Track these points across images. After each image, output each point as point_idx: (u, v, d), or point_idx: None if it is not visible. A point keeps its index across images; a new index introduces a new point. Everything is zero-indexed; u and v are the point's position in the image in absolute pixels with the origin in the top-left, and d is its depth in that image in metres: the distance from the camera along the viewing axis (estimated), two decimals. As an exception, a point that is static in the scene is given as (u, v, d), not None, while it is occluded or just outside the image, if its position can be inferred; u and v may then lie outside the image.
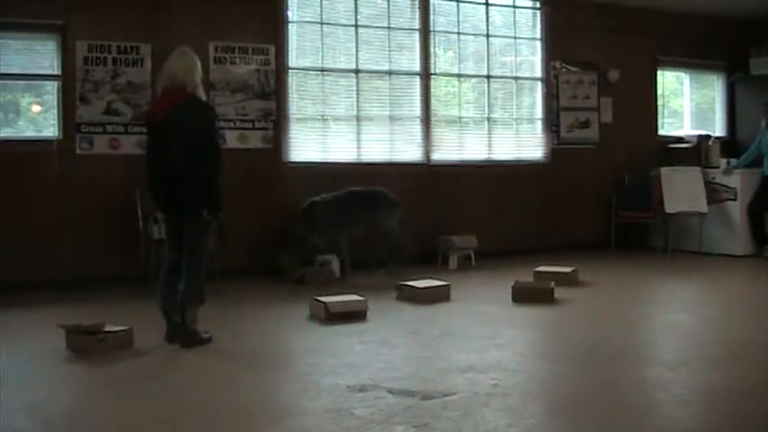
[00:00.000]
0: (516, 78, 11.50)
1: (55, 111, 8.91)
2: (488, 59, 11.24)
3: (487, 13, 11.20)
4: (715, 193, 11.36)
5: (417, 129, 10.71)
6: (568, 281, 8.70)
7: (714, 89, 13.46)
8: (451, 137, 10.98)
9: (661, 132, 12.64)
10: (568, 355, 5.95)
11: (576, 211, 11.70)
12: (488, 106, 11.26)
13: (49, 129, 8.96)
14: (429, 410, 4.47)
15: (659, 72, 12.62)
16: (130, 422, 4.46)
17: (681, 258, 10.98)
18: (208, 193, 6.08)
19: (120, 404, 4.80)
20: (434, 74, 10.83)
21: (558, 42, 11.52)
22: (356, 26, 10.28)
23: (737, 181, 11.20)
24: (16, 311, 7.62)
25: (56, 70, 8.84)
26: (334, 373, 5.31)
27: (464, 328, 6.69)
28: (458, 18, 10.97)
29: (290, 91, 9.92)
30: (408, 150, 10.66)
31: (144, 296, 7.44)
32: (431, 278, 8.45)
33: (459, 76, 11.11)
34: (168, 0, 9.19)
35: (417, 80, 10.71)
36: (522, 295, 7.88)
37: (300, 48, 10.06)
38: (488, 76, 11.24)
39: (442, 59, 11.05)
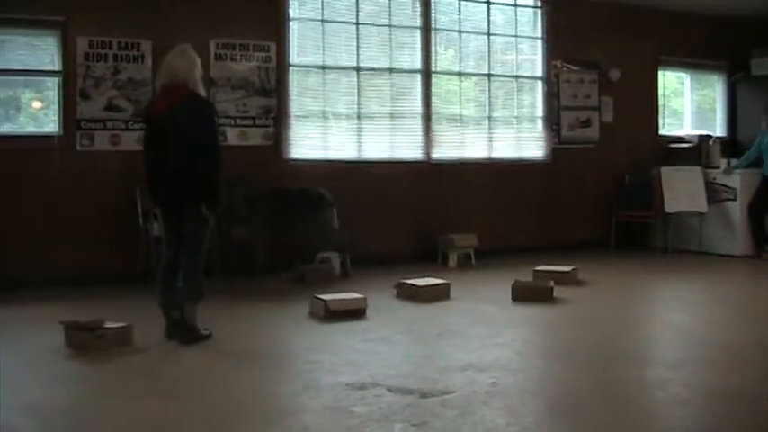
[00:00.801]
0: (517, 77, 11.49)
1: (56, 107, 8.91)
2: (489, 58, 11.25)
3: (489, 11, 11.20)
4: (715, 194, 11.36)
5: (418, 127, 10.71)
6: (568, 280, 8.69)
7: (715, 89, 13.47)
8: (452, 135, 10.98)
9: (662, 132, 12.64)
10: (567, 355, 5.95)
11: (577, 211, 11.70)
12: (489, 105, 11.27)
13: (50, 125, 8.96)
14: (428, 409, 4.47)
15: (660, 72, 12.62)
16: (129, 419, 4.45)
17: (681, 258, 10.98)
18: (207, 188, 6.09)
19: (119, 401, 4.79)
20: (435, 72, 10.83)
21: (559, 41, 11.52)
22: (357, 24, 10.28)
23: (738, 181, 11.20)
24: (15, 308, 7.62)
25: (56, 66, 8.84)
26: (333, 371, 5.31)
27: (463, 327, 6.69)
28: (459, 16, 10.98)
29: (290, 88, 9.92)
30: (409, 148, 10.67)
31: (143, 293, 7.45)
32: (431, 276, 8.45)
33: (460, 74, 11.11)
34: (169, -4, 9.21)
35: (418, 78, 10.71)
36: (522, 294, 7.88)
37: (301, 45, 10.06)
38: (489, 75, 11.24)
39: (443, 57, 11.05)
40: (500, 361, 5.56)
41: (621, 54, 11.94)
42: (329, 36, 10.16)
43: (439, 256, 10.27)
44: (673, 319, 7.23)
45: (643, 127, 12.26)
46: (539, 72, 11.63)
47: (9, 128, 8.84)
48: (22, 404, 4.64)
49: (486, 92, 11.27)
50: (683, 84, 13.31)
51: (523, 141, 11.53)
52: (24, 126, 9.01)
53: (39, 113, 9.13)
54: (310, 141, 10.04)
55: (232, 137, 9.44)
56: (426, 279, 8.25)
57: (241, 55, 9.54)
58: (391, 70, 10.54)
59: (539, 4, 11.55)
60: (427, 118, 10.71)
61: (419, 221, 10.49)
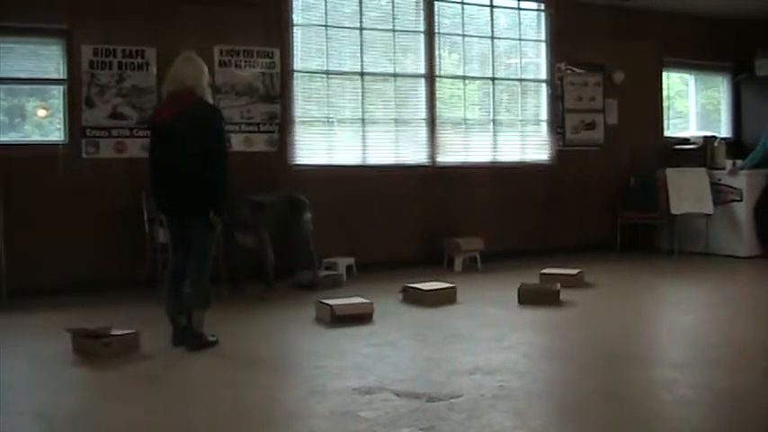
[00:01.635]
0: (521, 80, 11.49)
1: (61, 115, 8.93)
2: (493, 61, 11.25)
3: (492, 14, 11.20)
4: (721, 195, 11.34)
5: (422, 131, 10.71)
6: (574, 283, 8.69)
7: (719, 90, 13.45)
8: (457, 139, 10.97)
9: (666, 134, 12.62)
10: (574, 357, 5.95)
11: (582, 213, 11.69)
12: (493, 108, 11.26)
13: (55, 133, 8.98)
14: (435, 413, 4.47)
15: (664, 73, 12.61)
16: (136, 426, 4.47)
17: (687, 260, 10.97)
18: (215, 195, 6.14)
19: (126, 408, 4.80)
20: (439, 76, 10.83)
21: (562, 44, 11.51)
22: (361, 29, 10.29)
23: (743, 182, 11.18)
24: (22, 315, 7.64)
25: (61, 74, 8.85)
26: (340, 375, 5.32)
27: (470, 331, 6.69)
28: (462, 20, 10.97)
29: (295, 94, 9.93)
30: (413, 153, 10.66)
31: (150, 300, 7.47)
32: (437, 280, 8.45)
33: (464, 78, 11.11)
34: (173, 4, 9.20)
35: (422, 82, 10.71)
36: (528, 297, 7.88)
37: (305, 51, 10.07)
38: (493, 78, 11.24)
39: (447, 62, 11.06)
40: (507, 364, 5.56)
41: (625, 56, 11.94)
42: (333, 42, 10.17)
43: (444, 260, 10.27)
44: (679, 321, 7.23)
45: (648, 129, 12.24)
46: (543, 75, 11.63)
47: (14, 136, 8.87)
48: (30, 410, 4.66)
49: (491, 95, 11.26)
50: (687, 85, 13.31)
51: (528, 144, 11.52)
52: (30, 134, 9.02)
53: (44, 122, 9.15)
54: (315, 147, 10.04)
55: (237, 143, 9.44)
56: (432, 283, 8.25)
57: (245, 61, 9.55)
58: (395, 75, 10.55)
59: (542, 6, 11.54)
60: (431, 122, 10.71)
61: (424, 225, 10.50)
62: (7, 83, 8.76)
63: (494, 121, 11.24)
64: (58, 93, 8.93)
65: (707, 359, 5.75)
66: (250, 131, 9.56)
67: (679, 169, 11.50)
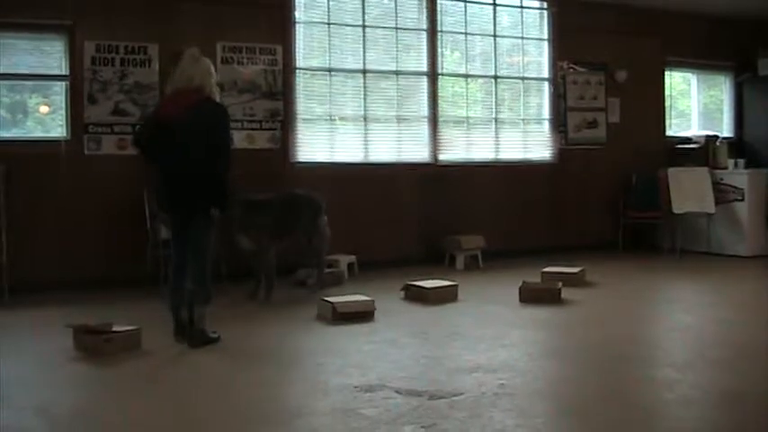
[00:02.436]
0: (523, 79, 11.49)
1: (63, 111, 8.93)
2: (495, 60, 11.24)
3: (495, 13, 11.20)
4: (723, 194, 11.34)
5: (424, 129, 10.71)
6: (576, 281, 8.69)
7: (722, 90, 13.44)
8: (459, 137, 10.97)
9: (669, 133, 12.61)
10: (576, 356, 5.96)
11: (584, 212, 11.69)
12: (496, 106, 11.26)
13: (57, 129, 8.98)
14: (437, 410, 4.47)
15: (667, 73, 12.60)
16: (137, 422, 4.47)
17: (688, 259, 10.96)
18: (220, 190, 6.21)
19: (127, 404, 4.81)
20: (442, 74, 10.82)
21: (565, 43, 11.51)
22: (363, 26, 10.28)
23: (745, 181, 11.18)
24: (24, 311, 7.66)
25: (64, 71, 8.86)
26: (341, 373, 5.32)
27: (471, 329, 6.69)
28: (465, 18, 10.97)
29: (297, 91, 9.93)
30: (415, 151, 10.66)
31: (151, 296, 7.48)
32: (438, 278, 8.45)
33: (466, 76, 11.11)
34: (176, 1, 9.21)
35: (424, 80, 10.71)
36: (530, 296, 7.88)
37: (308, 48, 10.07)
38: (495, 77, 11.24)
39: (450, 60, 11.05)
40: (508, 362, 5.57)
41: (628, 55, 11.94)
42: (335, 39, 10.17)
43: (446, 258, 10.27)
44: (681, 320, 7.23)
45: (650, 128, 12.24)
46: (545, 73, 11.62)
47: (16, 132, 8.87)
48: (32, 406, 4.67)
49: (493, 93, 11.26)
50: (689, 84, 13.29)
51: (530, 143, 11.52)
52: (32, 131, 9.02)
53: (46, 118, 9.15)
54: (317, 144, 10.04)
55: (239, 140, 9.43)
56: (434, 281, 8.26)
57: (248, 58, 9.55)
58: (397, 73, 10.55)
59: (545, 5, 11.54)
60: (434, 120, 10.71)
61: (426, 223, 10.49)
62: (9, 79, 8.77)
63: (496, 119, 11.23)
64: (60, 89, 8.93)
65: (709, 359, 5.74)
66: (252, 128, 9.56)
67: (681, 168, 11.51)
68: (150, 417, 4.56)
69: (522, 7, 11.43)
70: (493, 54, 11.23)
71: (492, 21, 11.19)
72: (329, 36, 10.12)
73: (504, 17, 11.41)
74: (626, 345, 6.19)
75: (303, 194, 8.62)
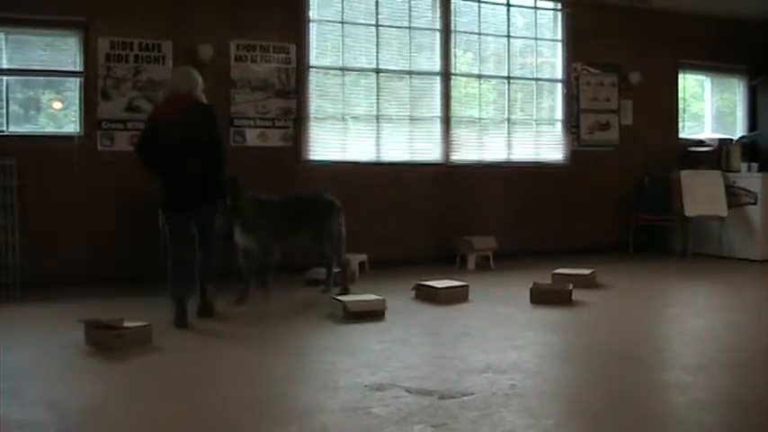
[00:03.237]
0: (537, 80, 11.47)
1: (76, 107, 8.95)
2: (509, 60, 11.23)
3: (508, 14, 11.19)
4: (735, 197, 11.31)
5: (437, 129, 10.71)
6: (587, 283, 8.68)
7: (735, 93, 13.40)
8: (471, 138, 10.96)
9: (681, 135, 12.58)
10: (586, 358, 5.95)
11: (596, 214, 11.67)
12: (508, 107, 11.25)
13: (71, 125, 9.01)
14: (447, 410, 4.47)
15: (680, 75, 12.56)
16: (147, 418, 4.48)
17: (700, 262, 10.93)
18: (219, 181, 7.07)
19: (138, 400, 4.83)
20: (455, 74, 10.83)
21: (578, 44, 11.49)
22: (377, 26, 10.29)
23: (758, 185, 11.14)
24: (36, 306, 7.69)
25: (78, 67, 8.89)
26: (352, 371, 5.32)
27: (482, 329, 6.69)
28: (478, 19, 10.96)
29: (310, 90, 9.94)
30: (428, 151, 10.67)
31: (163, 292, 7.46)
32: (449, 278, 8.44)
33: (479, 76, 11.10)
34: (190, -2, 9.26)
35: (437, 80, 10.71)
36: (541, 297, 7.87)
37: (321, 47, 10.09)
38: (509, 78, 11.23)
39: (463, 60, 11.04)
40: (519, 363, 5.56)
41: (641, 57, 11.91)
42: (349, 38, 10.18)
43: (457, 259, 10.26)
44: (691, 323, 7.21)
45: (663, 130, 12.22)
46: (558, 75, 11.61)
47: (30, 128, 8.90)
48: (44, 400, 4.68)
49: (506, 94, 11.25)
50: (702, 87, 13.25)
51: (542, 144, 11.50)
52: (45, 126, 9.05)
53: (59, 114, 9.18)
54: (329, 143, 10.05)
55: (251, 138, 9.47)
56: (445, 281, 8.25)
57: (261, 56, 9.56)
58: (410, 72, 10.54)
59: (559, 6, 11.52)
60: (446, 120, 10.71)
61: (438, 224, 10.49)
62: (23, 74, 8.81)
63: (508, 120, 11.22)
64: (73, 85, 8.96)
65: (720, 363, 5.72)
66: (265, 127, 9.58)
67: (694, 171, 11.48)
68: (160, 412, 4.57)
69: (535, 8, 11.42)
70: (506, 55, 11.22)
71: (506, 21, 11.18)
72: (342, 35, 10.13)
73: (518, 18, 11.41)
74: (637, 347, 6.18)
75: (314, 195, 8.46)
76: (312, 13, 9.94)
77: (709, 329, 6.97)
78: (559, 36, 11.55)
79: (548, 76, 11.59)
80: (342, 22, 10.10)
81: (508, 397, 4.73)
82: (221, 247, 7.47)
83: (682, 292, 9.15)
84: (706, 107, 13.27)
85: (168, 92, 7.34)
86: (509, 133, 11.22)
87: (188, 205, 6.90)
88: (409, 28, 10.53)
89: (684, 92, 12.75)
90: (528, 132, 11.42)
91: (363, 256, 9.57)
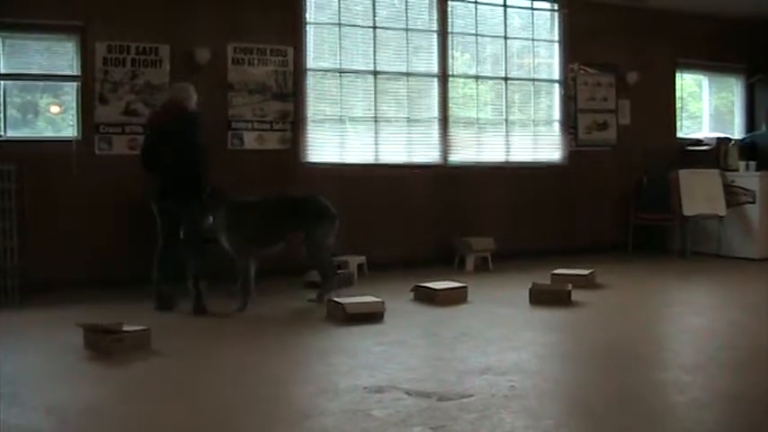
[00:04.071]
0: (534, 80, 11.48)
1: (74, 111, 8.96)
2: (506, 61, 11.24)
3: (505, 14, 11.20)
4: (734, 196, 11.31)
5: (435, 130, 10.71)
6: (586, 283, 8.68)
7: (733, 92, 13.41)
8: (469, 138, 10.97)
9: (679, 135, 12.59)
10: (586, 358, 5.95)
11: (594, 214, 11.68)
12: (506, 108, 11.25)
13: (68, 129, 9.01)
14: (446, 412, 4.47)
15: (678, 74, 12.57)
16: (147, 422, 4.48)
17: (699, 261, 10.94)
18: (201, 181, 7.65)
19: (137, 404, 4.82)
20: (452, 75, 10.83)
21: (576, 44, 11.50)
22: (374, 28, 10.30)
23: (756, 183, 11.14)
24: (34, 310, 7.69)
25: (75, 71, 8.89)
26: (351, 374, 5.32)
27: (481, 330, 6.68)
28: (476, 20, 10.97)
29: (307, 92, 9.94)
30: (426, 152, 10.67)
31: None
32: (448, 280, 8.44)
33: (476, 77, 11.11)
34: (187, 2, 9.24)
35: (435, 82, 10.71)
36: (540, 297, 7.88)
37: (318, 49, 10.09)
38: (506, 78, 11.24)
39: (460, 61, 11.05)
40: (518, 364, 5.56)
41: (638, 57, 11.92)
42: (346, 40, 10.19)
43: (456, 260, 10.26)
44: (690, 322, 7.21)
45: (660, 130, 12.22)
46: (556, 75, 11.62)
47: (27, 132, 8.90)
48: (42, 405, 4.68)
49: (503, 95, 11.26)
50: (700, 86, 13.26)
51: (540, 144, 11.51)
52: (42, 131, 9.05)
53: (56, 118, 9.18)
54: (327, 145, 10.05)
55: (249, 141, 9.48)
56: (443, 282, 8.25)
57: (258, 59, 9.56)
58: (408, 74, 10.55)
59: (556, 6, 11.53)
60: (444, 121, 10.71)
61: (436, 225, 10.50)
62: (21, 79, 8.81)
63: (506, 120, 11.23)
64: (71, 89, 8.97)
65: (719, 361, 5.72)
66: (263, 129, 9.58)
67: (692, 170, 11.47)
68: (160, 416, 4.57)
69: (532, 9, 11.43)
70: (503, 56, 11.23)
71: (503, 22, 11.19)
72: (340, 37, 10.14)
73: (515, 19, 11.41)
74: (636, 347, 6.18)
75: (306, 198, 8.16)
76: (309, 16, 9.94)
77: (709, 328, 6.97)
78: (556, 36, 11.56)
79: (545, 77, 11.59)
80: (339, 25, 10.10)
81: (507, 398, 4.73)
82: (208, 248, 7.75)
83: (681, 292, 9.15)
84: (704, 106, 13.28)
85: (165, 100, 8.10)
86: (507, 134, 11.23)
87: (169, 194, 7.56)
88: (406, 30, 10.53)
89: (682, 91, 12.76)
90: (526, 133, 11.43)
91: (362, 258, 9.57)
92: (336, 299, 7.35)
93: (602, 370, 5.55)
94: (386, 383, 5.04)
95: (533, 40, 11.46)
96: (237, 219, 7.72)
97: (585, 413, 4.59)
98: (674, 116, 12.56)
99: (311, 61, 9.98)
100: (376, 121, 10.32)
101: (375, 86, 10.33)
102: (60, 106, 9.18)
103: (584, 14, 11.39)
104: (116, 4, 8.93)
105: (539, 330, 6.80)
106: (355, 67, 10.26)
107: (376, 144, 10.33)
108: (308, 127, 9.91)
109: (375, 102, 10.33)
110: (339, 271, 8.80)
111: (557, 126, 11.63)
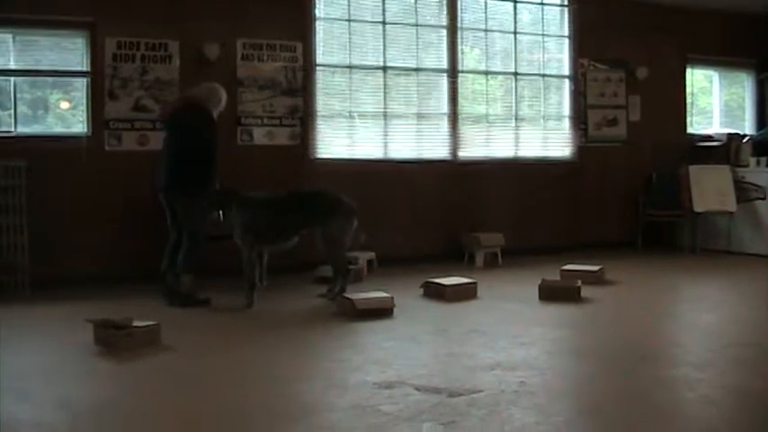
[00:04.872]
0: (544, 76, 11.45)
1: (84, 107, 8.97)
2: (516, 57, 11.22)
3: (515, 10, 11.18)
4: (744, 192, 11.27)
5: (444, 126, 10.70)
6: (595, 279, 8.66)
7: (744, 87, 13.36)
8: (478, 134, 10.95)
9: (689, 131, 12.55)
10: (595, 354, 5.93)
11: (604, 210, 11.66)
12: (516, 104, 11.23)
13: (78, 125, 9.03)
14: (456, 408, 4.46)
15: (688, 70, 12.53)
16: (156, 417, 4.49)
17: (709, 257, 10.91)
18: (198, 178, 7.71)
19: (148, 399, 4.83)
20: (462, 71, 10.81)
21: (586, 40, 11.47)
22: (383, 23, 10.29)
23: (767, 179, 11.10)
24: (45, 306, 7.70)
25: (85, 67, 8.90)
26: (360, 369, 5.32)
27: (491, 326, 6.68)
28: (485, 15, 10.95)
29: (317, 88, 9.94)
30: (435, 148, 10.65)
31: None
32: (457, 276, 8.43)
33: (486, 73, 11.09)
34: (196, -3, 9.27)
35: (444, 77, 10.70)
36: (549, 294, 7.87)
37: (328, 45, 10.08)
38: (516, 74, 11.21)
39: (470, 57, 11.03)
40: (528, 360, 5.55)
41: (649, 52, 11.88)
42: (355, 36, 10.18)
43: (465, 256, 10.26)
44: (701, 319, 7.19)
45: (671, 125, 12.19)
46: (565, 71, 11.59)
47: (37, 128, 8.92)
48: (53, 400, 4.69)
49: (513, 91, 11.24)
50: (711, 82, 13.22)
51: (550, 140, 11.49)
52: (52, 126, 9.07)
53: (66, 114, 9.20)
54: (337, 141, 10.06)
55: (259, 137, 9.48)
56: (453, 278, 8.24)
57: (268, 55, 9.56)
58: (417, 70, 10.54)
59: (566, 2, 11.50)
60: (453, 117, 10.70)
61: (445, 221, 10.49)
62: (31, 75, 8.82)
63: (516, 116, 11.21)
64: (81, 85, 8.98)
65: (729, 358, 5.70)
66: (272, 125, 9.58)
67: (702, 166, 11.44)
68: (170, 411, 4.58)
69: (542, 4, 11.40)
70: (513, 51, 11.21)
71: (512, 18, 11.16)
72: (349, 33, 10.13)
73: (525, 14, 11.39)
74: (646, 343, 6.17)
75: (320, 192, 8.13)
76: (318, 11, 9.94)
77: (719, 325, 6.96)
78: (566, 32, 11.53)
79: (555, 73, 11.56)
80: (348, 20, 10.09)
81: (517, 394, 4.72)
82: (210, 246, 7.87)
83: (690, 288, 9.13)
84: (714, 102, 13.22)
85: (187, 94, 8.21)
86: (516, 130, 11.21)
87: (165, 187, 7.79)
88: (416, 25, 10.52)
89: (692, 86, 12.71)
90: (535, 129, 11.41)
91: (371, 254, 9.57)
92: (346, 294, 7.35)
93: (612, 366, 5.54)
94: (395, 379, 5.04)
95: (543, 35, 11.43)
96: (249, 214, 7.71)
97: (595, 410, 4.58)
98: (685, 112, 12.51)
99: (321, 57, 9.97)
100: (385, 117, 10.32)
101: (384, 82, 10.32)
102: (70, 102, 9.20)
103: (594, 10, 11.35)
104: (126, 1, 8.94)
105: (548, 326, 6.79)
106: (365, 63, 10.25)
107: (385, 140, 10.32)
108: (318, 123, 9.91)
109: (384, 97, 10.32)
110: (350, 266, 8.78)
111: (566, 122, 11.61)
